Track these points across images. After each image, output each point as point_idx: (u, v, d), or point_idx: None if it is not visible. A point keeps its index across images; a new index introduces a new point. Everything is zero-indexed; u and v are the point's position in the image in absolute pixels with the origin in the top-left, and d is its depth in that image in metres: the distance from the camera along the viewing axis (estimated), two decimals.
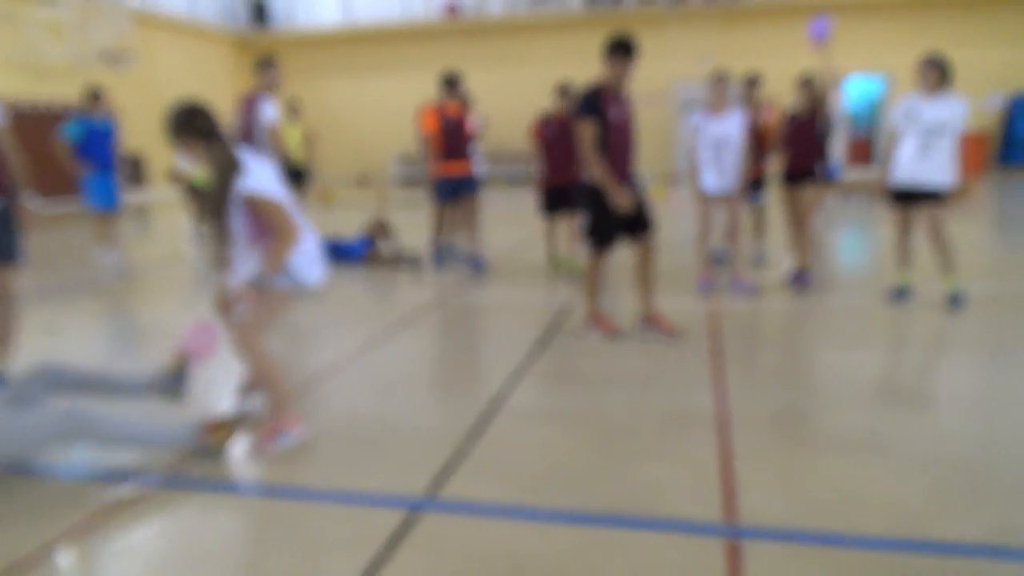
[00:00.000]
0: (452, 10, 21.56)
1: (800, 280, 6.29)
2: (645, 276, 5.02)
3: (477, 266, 7.50)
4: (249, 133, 6.17)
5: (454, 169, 7.48)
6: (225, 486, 3.13)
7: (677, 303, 5.81)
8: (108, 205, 7.98)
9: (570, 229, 7.32)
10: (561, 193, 7.12)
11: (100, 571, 2.57)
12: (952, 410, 3.77)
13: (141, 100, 17.87)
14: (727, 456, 3.17)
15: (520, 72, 20.97)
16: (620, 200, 4.66)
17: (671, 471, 3.06)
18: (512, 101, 19.73)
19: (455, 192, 7.58)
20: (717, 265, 7.01)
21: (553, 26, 21.16)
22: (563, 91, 7.00)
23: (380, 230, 8.33)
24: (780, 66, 14.62)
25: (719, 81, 5.93)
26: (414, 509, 2.81)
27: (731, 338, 4.99)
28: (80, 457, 3.25)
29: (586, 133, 4.64)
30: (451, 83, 7.41)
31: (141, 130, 16.71)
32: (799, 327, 5.55)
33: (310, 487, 3.05)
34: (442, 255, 7.92)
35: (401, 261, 8.02)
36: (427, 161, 7.59)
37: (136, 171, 18.22)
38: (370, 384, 4.33)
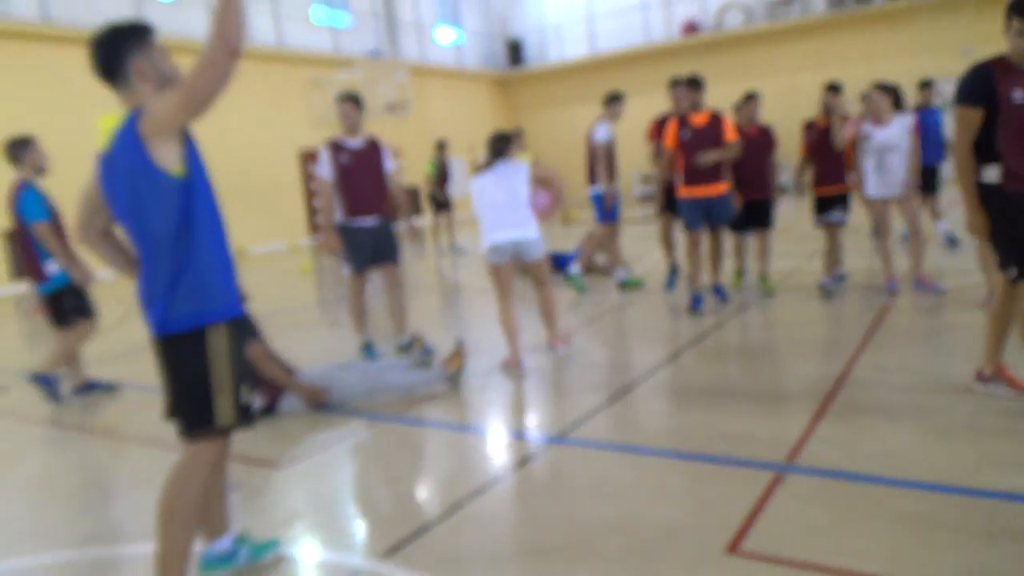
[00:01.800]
0: (691, 28, 22.17)
1: None
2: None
3: (719, 296, 6.84)
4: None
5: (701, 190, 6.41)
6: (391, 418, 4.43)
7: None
8: None
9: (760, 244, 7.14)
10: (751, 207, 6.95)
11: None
12: None
13: (417, 140, 20.97)
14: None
15: (761, 83, 20.91)
16: None
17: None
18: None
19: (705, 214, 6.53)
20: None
21: (793, 32, 20.84)
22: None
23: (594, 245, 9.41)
24: None
25: (870, 96, 6.26)
26: (552, 442, 3.86)
27: None
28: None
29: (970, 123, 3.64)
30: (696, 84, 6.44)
31: (417, 167, 19.57)
32: None
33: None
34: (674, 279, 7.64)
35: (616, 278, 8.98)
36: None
37: (414, 202, 21.33)
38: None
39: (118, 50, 2.35)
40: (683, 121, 6.40)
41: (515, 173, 5.21)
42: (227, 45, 2.17)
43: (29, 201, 5.02)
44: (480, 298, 8.58)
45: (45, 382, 5.31)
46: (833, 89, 6.61)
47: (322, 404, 4.62)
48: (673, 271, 7.67)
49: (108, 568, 2.98)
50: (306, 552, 2.93)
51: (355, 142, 5.65)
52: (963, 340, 5.02)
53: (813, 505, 2.94)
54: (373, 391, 4.78)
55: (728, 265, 7.42)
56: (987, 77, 3.61)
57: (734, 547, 2.64)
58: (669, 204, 7.34)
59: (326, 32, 19.89)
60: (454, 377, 4.93)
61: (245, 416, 2.48)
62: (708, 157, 6.18)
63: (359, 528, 3.15)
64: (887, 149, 6.23)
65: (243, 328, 2.55)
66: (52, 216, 5.10)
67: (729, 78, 20.99)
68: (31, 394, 5.50)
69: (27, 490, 3.95)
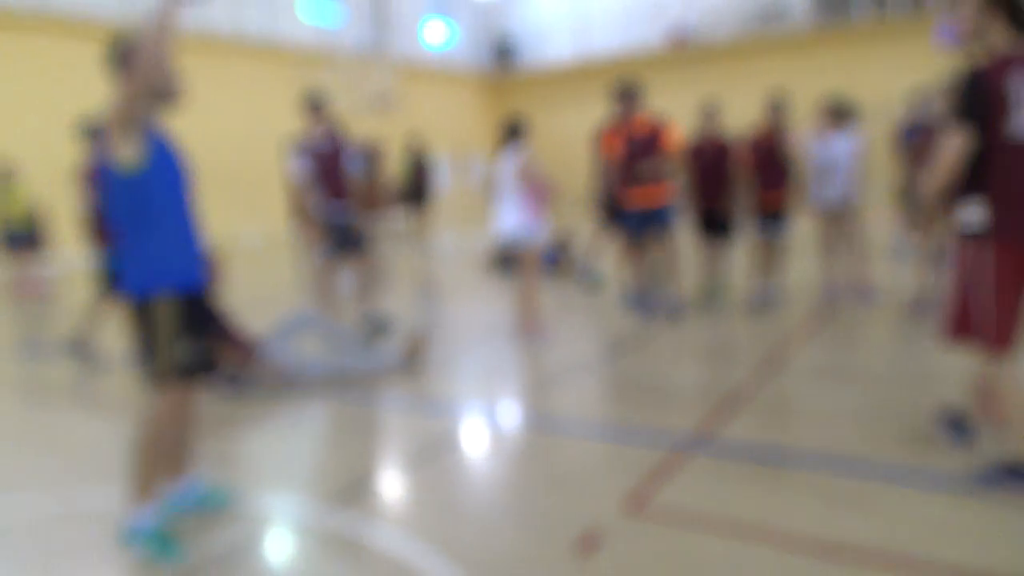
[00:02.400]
0: (679, 37, 22.57)
1: None
2: None
3: (673, 310, 6.60)
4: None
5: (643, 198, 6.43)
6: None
7: None
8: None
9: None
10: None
11: None
12: None
13: (404, 137, 21.27)
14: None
15: (749, 92, 21.29)
16: None
17: None
18: (736, 122, 20.21)
19: (644, 225, 6.51)
20: None
21: (780, 45, 21.26)
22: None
23: (564, 246, 9.78)
24: None
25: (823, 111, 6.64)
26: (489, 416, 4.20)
27: None
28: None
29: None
30: (628, 96, 6.38)
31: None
32: None
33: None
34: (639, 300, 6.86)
35: (579, 275, 9.33)
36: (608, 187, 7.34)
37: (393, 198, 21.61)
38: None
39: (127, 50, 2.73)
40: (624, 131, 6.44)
41: (509, 164, 5.55)
42: (147, 69, 2.54)
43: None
44: (450, 294, 8.91)
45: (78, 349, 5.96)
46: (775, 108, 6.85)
47: (284, 381, 4.94)
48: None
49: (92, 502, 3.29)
50: (256, 497, 3.25)
51: (324, 142, 6.01)
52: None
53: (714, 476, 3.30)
54: (331, 374, 5.07)
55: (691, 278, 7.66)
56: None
57: (632, 508, 3.00)
58: (612, 216, 7.56)
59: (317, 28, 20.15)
60: (412, 363, 5.27)
61: (182, 374, 2.80)
62: (646, 169, 6.25)
63: (306, 479, 3.47)
64: (828, 165, 6.61)
65: (196, 302, 2.88)
66: None
67: (718, 86, 21.42)
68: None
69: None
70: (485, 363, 5.48)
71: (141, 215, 2.73)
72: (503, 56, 25.92)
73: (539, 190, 5.70)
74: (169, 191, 2.80)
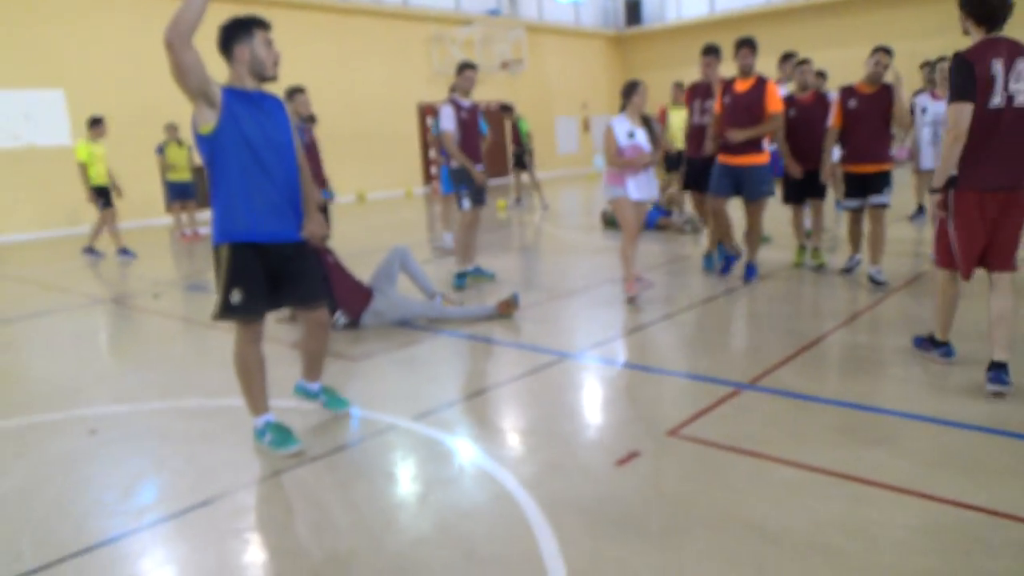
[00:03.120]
0: None
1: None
2: None
3: (749, 273, 6.61)
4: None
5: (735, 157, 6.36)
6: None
7: None
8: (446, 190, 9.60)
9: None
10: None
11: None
12: None
13: (533, 96, 21.74)
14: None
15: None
16: None
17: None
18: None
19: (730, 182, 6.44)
20: None
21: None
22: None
23: (672, 203, 10.00)
24: None
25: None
26: (567, 357, 4.69)
27: None
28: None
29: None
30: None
31: (533, 123, 20.34)
32: None
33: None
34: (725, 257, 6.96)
35: (686, 228, 9.60)
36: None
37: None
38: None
39: (230, 33, 3.25)
40: (727, 87, 6.39)
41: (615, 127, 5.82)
42: (166, 40, 2.83)
43: None
44: (562, 250, 9.39)
45: None
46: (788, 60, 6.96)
47: (393, 321, 5.66)
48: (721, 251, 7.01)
49: (217, 411, 4.10)
50: (364, 413, 3.93)
51: (467, 102, 6.91)
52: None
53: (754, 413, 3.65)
54: (433, 318, 5.73)
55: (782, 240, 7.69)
56: None
57: (674, 432, 3.42)
58: (692, 177, 7.36)
59: None
60: (505, 316, 5.78)
61: (230, 313, 3.25)
62: (740, 135, 6.12)
63: (401, 400, 4.11)
64: (943, 122, 6.45)
65: (260, 251, 3.29)
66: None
67: (850, 42, 20.33)
68: (178, 300, 6.86)
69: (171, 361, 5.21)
70: (580, 312, 5.95)
71: (213, 174, 3.22)
72: (632, 14, 25.60)
73: (627, 154, 5.75)
74: (239, 155, 3.16)
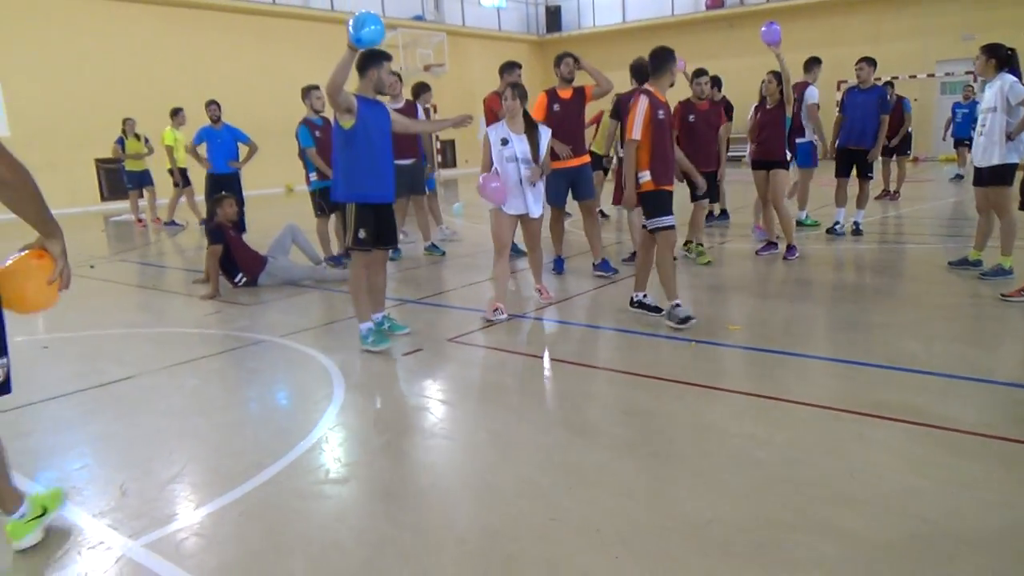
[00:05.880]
0: (716, 1, 23.52)
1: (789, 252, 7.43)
2: None
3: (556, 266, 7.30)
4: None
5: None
6: None
7: None
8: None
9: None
10: None
11: None
12: None
13: (455, 97, 23.26)
14: None
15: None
16: None
17: None
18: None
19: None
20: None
21: (808, 10, 21.98)
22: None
23: None
24: None
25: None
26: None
27: None
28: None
29: None
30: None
31: None
32: None
33: None
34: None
35: None
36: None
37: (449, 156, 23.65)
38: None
39: (367, 61, 4.68)
40: (551, 94, 6.92)
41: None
42: (327, 88, 4.43)
43: (303, 133, 7.82)
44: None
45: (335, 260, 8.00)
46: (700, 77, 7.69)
47: (284, 282, 7.13)
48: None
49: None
50: (247, 335, 5.40)
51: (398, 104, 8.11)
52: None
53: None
54: (318, 279, 7.26)
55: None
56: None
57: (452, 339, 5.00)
58: None
59: None
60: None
61: (359, 244, 4.71)
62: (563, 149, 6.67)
63: (275, 327, 5.58)
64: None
65: (380, 208, 4.77)
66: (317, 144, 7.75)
67: (750, 51, 22.35)
68: (112, 268, 8.17)
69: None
70: (450, 278, 7.51)
71: (342, 154, 4.65)
72: (552, 19, 27.32)
73: (482, 183, 5.46)
74: (364, 141, 4.60)
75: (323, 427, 3.59)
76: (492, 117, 7.25)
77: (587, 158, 7.04)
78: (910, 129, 12.05)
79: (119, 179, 13.35)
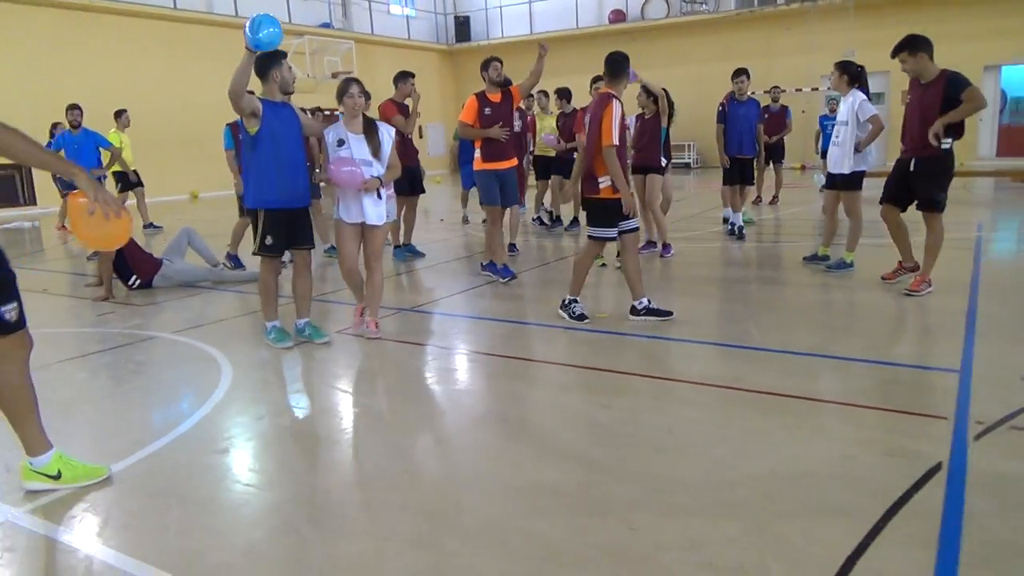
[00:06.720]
0: (619, 16, 24.52)
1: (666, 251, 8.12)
2: None
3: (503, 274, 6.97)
4: None
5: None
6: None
7: None
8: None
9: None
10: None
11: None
12: None
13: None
14: None
15: (677, 70, 23.20)
16: None
17: None
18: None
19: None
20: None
21: (705, 25, 23.23)
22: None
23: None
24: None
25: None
26: None
27: None
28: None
29: None
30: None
31: None
32: None
33: None
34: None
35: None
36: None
37: None
38: None
39: (266, 63, 4.60)
40: (482, 97, 6.94)
41: None
42: (229, 93, 4.37)
43: (226, 135, 7.67)
44: None
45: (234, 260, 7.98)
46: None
47: (181, 284, 7.25)
48: None
49: None
50: (140, 332, 5.54)
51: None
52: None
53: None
54: (215, 280, 7.39)
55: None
56: None
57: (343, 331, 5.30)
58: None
59: (281, 2, 22.02)
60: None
61: (264, 250, 4.78)
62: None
63: (167, 325, 5.73)
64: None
65: (293, 211, 4.79)
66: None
67: (650, 64, 23.40)
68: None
69: None
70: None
71: (250, 159, 4.67)
72: (462, 30, 27.80)
73: (332, 171, 5.03)
74: (271, 145, 4.60)
75: (206, 409, 3.85)
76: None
77: (515, 161, 7.16)
78: (785, 136, 12.91)
79: (8, 186, 12.93)
